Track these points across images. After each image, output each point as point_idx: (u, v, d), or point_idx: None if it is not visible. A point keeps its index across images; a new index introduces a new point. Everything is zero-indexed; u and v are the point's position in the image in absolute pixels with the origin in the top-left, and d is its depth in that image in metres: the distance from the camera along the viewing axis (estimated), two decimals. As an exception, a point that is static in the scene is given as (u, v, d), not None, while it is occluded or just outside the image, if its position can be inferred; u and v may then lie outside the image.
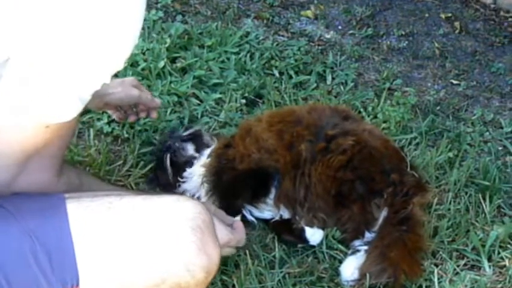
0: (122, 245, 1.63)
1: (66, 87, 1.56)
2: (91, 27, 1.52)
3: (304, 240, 2.42)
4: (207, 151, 2.58)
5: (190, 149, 2.61)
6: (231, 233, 2.11)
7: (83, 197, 1.68)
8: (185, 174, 2.55)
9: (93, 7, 1.51)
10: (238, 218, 2.31)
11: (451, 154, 2.83)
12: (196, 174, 2.53)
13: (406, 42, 3.71)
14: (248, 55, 3.36)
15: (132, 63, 3.12)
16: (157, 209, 1.67)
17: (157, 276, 1.64)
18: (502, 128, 3.11)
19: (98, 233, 1.62)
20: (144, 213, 1.66)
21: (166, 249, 1.63)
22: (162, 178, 2.59)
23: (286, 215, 2.46)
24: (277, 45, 3.50)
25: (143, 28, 3.35)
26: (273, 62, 3.35)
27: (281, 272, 2.32)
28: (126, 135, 2.79)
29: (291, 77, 3.28)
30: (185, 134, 2.66)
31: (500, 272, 2.40)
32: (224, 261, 2.30)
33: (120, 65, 1.61)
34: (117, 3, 1.54)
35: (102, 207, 1.65)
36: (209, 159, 2.54)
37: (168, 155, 2.58)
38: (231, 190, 2.47)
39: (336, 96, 3.19)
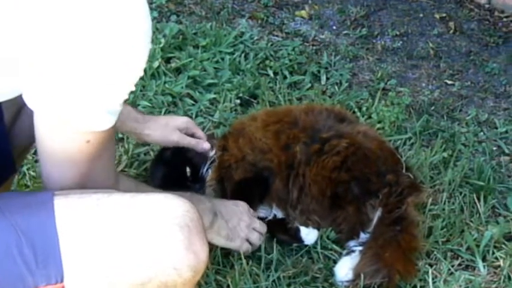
0: (107, 242, 1.62)
1: (91, 97, 1.56)
2: (109, 38, 1.51)
3: (299, 240, 2.42)
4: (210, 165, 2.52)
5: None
6: (253, 216, 2.32)
7: (71, 193, 1.67)
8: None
9: (108, 18, 1.51)
10: None
11: (445, 154, 2.84)
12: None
13: (401, 42, 3.71)
14: (242, 55, 3.36)
15: (127, 64, 3.11)
16: (144, 206, 1.66)
17: (144, 274, 1.63)
18: (496, 128, 3.11)
19: (84, 229, 1.61)
20: (131, 211, 1.65)
21: (153, 248, 1.62)
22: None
23: (279, 214, 2.46)
24: (271, 45, 3.50)
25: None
26: (267, 62, 3.35)
27: (276, 272, 2.32)
28: (120, 136, 2.78)
29: (285, 77, 3.28)
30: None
31: (494, 272, 2.40)
32: (219, 261, 2.30)
33: (140, 72, 1.61)
34: (131, 16, 1.54)
35: (89, 204, 1.65)
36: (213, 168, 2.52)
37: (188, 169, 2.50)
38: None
39: (330, 97, 3.19)
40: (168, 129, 2.49)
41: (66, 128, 1.59)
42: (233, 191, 2.45)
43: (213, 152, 2.52)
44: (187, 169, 2.46)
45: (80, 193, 1.68)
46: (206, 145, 2.52)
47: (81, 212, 1.63)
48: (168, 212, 1.66)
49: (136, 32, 1.55)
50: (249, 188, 2.46)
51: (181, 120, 2.55)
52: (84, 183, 1.71)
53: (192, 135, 2.53)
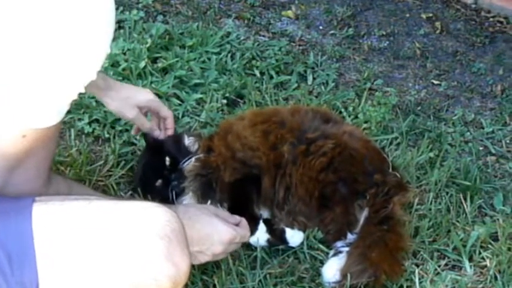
0: (85, 251, 1.60)
1: (40, 95, 1.55)
2: (62, 38, 1.51)
3: (284, 241, 2.41)
4: (190, 158, 2.52)
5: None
6: (234, 230, 2.11)
7: (52, 200, 1.65)
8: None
9: (63, 19, 1.50)
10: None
11: (431, 154, 2.84)
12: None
13: (387, 42, 3.71)
14: (229, 55, 3.36)
15: (113, 64, 3.11)
16: (124, 216, 1.64)
17: (122, 284, 1.61)
18: (482, 128, 3.12)
19: (62, 237, 1.59)
20: (111, 220, 1.63)
21: (132, 258, 1.60)
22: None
23: (265, 214, 2.46)
24: (258, 45, 3.50)
25: (124, 28, 3.34)
26: (254, 62, 3.35)
27: (262, 272, 2.32)
28: (106, 136, 2.78)
29: (271, 77, 3.28)
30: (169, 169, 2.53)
31: (481, 272, 2.41)
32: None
33: (93, 75, 1.60)
34: (87, 14, 1.53)
35: (68, 212, 1.63)
36: (194, 166, 2.51)
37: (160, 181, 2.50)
38: (232, 206, 2.43)
39: (316, 97, 3.19)
40: (126, 105, 2.44)
41: (3, 118, 1.57)
42: (227, 193, 2.45)
43: (196, 146, 2.53)
44: (167, 159, 2.48)
45: (61, 200, 1.67)
46: (157, 133, 2.52)
47: (59, 220, 1.62)
48: (148, 221, 1.64)
49: (92, 34, 1.55)
50: (242, 189, 2.45)
51: (144, 98, 2.50)
52: (11, 178, 1.69)
53: (157, 114, 2.52)
